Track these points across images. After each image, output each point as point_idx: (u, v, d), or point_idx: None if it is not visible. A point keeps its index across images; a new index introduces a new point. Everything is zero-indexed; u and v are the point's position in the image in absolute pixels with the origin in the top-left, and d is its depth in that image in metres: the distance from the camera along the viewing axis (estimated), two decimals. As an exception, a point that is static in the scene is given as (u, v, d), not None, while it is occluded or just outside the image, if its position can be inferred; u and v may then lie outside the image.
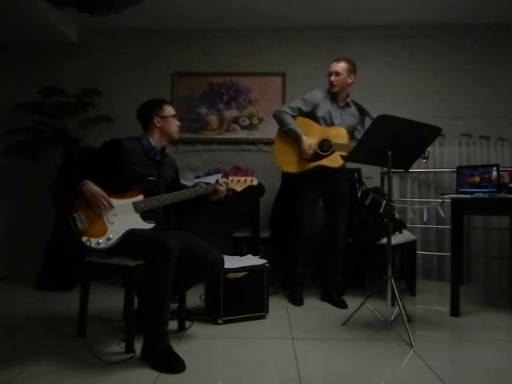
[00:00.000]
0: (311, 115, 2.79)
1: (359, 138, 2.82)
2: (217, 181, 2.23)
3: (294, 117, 2.77)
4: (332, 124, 2.76)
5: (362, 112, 2.86)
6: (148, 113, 2.16)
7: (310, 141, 2.68)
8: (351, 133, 2.83)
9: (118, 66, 3.89)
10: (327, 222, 2.88)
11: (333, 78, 2.73)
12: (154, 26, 3.80)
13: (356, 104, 2.87)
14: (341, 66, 2.71)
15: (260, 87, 3.83)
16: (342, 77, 2.71)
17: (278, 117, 2.80)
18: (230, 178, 2.27)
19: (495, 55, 3.74)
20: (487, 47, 3.75)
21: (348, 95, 2.83)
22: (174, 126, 2.19)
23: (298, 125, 2.75)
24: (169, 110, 2.18)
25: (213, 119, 3.86)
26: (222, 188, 2.19)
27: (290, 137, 2.75)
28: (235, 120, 3.86)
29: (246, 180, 2.27)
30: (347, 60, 2.74)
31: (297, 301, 2.78)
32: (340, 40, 3.82)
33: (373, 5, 3.43)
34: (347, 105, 2.83)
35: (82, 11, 3.38)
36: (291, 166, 2.77)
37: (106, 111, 3.73)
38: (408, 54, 3.81)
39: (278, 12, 3.56)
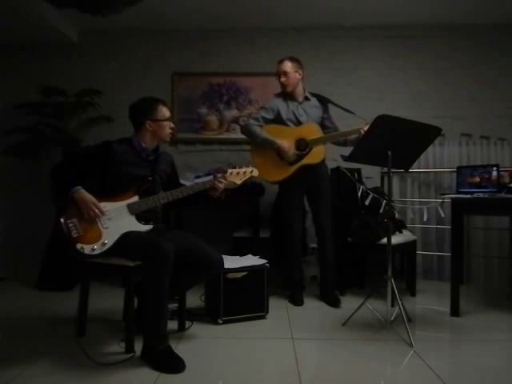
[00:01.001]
0: (277, 121, 2.80)
1: (331, 126, 2.89)
2: (215, 176, 2.16)
3: (260, 126, 2.79)
4: (299, 122, 2.78)
5: (323, 101, 2.89)
6: (140, 115, 2.09)
7: (285, 142, 2.69)
8: (321, 124, 2.85)
9: (118, 66, 3.89)
10: (313, 219, 2.89)
11: (283, 79, 2.77)
12: (154, 26, 3.80)
13: (314, 95, 2.89)
14: (287, 65, 2.76)
15: (260, 87, 3.83)
16: (290, 75, 2.76)
17: (246, 131, 2.82)
18: (229, 170, 2.16)
19: (495, 55, 3.74)
20: (487, 47, 3.75)
21: (304, 89, 2.86)
22: (166, 129, 2.12)
23: (269, 133, 2.76)
24: (163, 113, 2.10)
25: (213, 119, 3.86)
26: (221, 185, 2.12)
27: (266, 146, 2.75)
28: (235, 120, 3.85)
29: (245, 172, 2.17)
30: (290, 58, 2.80)
31: (297, 301, 2.78)
32: (340, 40, 3.82)
33: (373, 5, 3.43)
34: (306, 99, 2.85)
35: (82, 11, 3.37)
36: (275, 175, 2.76)
37: (105, 111, 3.72)
38: (408, 54, 3.81)
39: (278, 12, 3.56)
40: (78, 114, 3.69)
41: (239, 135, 3.82)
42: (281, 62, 2.79)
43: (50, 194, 2.14)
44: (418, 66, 3.79)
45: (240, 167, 2.19)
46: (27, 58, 3.88)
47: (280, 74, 2.78)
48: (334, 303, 2.72)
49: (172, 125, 2.16)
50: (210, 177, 2.22)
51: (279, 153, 2.73)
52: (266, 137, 2.74)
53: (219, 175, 2.16)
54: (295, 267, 2.86)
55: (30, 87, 3.62)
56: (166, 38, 3.89)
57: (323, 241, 2.84)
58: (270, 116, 2.81)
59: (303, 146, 2.72)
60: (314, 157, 2.72)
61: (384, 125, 2.14)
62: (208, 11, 3.54)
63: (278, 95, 2.87)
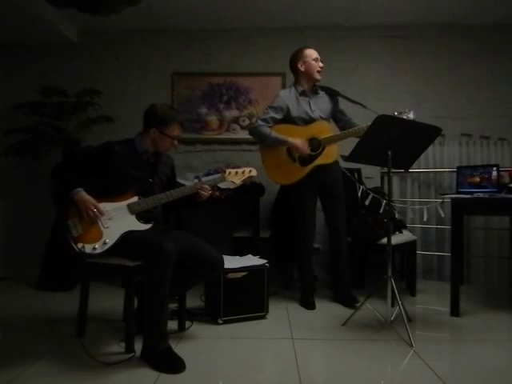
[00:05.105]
0: (286, 120, 2.69)
1: (344, 118, 2.79)
2: (199, 180, 2.16)
3: (270, 127, 2.66)
4: (312, 119, 2.66)
5: (331, 93, 2.77)
6: (151, 119, 2.09)
7: (298, 139, 2.58)
8: (333, 117, 2.79)
9: (118, 66, 3.89)
10: (327, 221, 2.83)
11: (321, 65, 2.65)
12: (154, 26, 3.80)
13: (323, 88, 2.78)
14: None
15: (260, 87, 3.83)
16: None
17: (255, 132, 2.69)
18: (228, 170, 2.20)
19: (495, 55, 3.74)
20: (487, 47, 3.75)
21: (314, 83, 2.75)
22: (167, 144, 2.10)
23: (279, 133, 2.64)
24: (171, 131, 2.08)
25: (213, 119, 3.86)
26: (204, 192, 2.12)
27: (277, 146, 2.65)
28: (235, 120, 3.85)
29: (244, 171, 2.20)
30: None
31: (309, 304, 2.69)
32: (340, 40, 3.82)
33: (373, 5, 3.43)
34: (316, 92, 2.75)
35: (82, 11, 3.38)
36: (288, 177, 2.67)
37: (106, 111, 3.72)
38: (408, 54, 3.80)
39: (278, 12, 3.56)
40: (77, 114, 3.68)
41: (239, 135, 3.84)
42: (314, 48, 2.68)
43: (50, 194, 2.14)
44: (417, 66, 3.79)
45: (238, 167, 2.24)
46: (27, 58, 3.88)
47: (319, 58, 2.64)
48: (352, 304, 2.65)
49: (175, 143, 2.13)
50: (219, 175, 2.23)
51: (291, 153, 2.63)
52: (276, 136, 2.61)
53: (205, 179, 2.18)
54: (307, 269, 2.78)
55: (30, 87, 3.62)
56: (166, 38, 3.89)
57: (338, 242, 2.78)
58: (279, 116, 2.67)
59: (316, 146, 2.61)
60: (327, 157, 2.62)
61: (384, 125, 2.14)
62: (208, 11, 3.54)
63: (288, 91, 2.72)
